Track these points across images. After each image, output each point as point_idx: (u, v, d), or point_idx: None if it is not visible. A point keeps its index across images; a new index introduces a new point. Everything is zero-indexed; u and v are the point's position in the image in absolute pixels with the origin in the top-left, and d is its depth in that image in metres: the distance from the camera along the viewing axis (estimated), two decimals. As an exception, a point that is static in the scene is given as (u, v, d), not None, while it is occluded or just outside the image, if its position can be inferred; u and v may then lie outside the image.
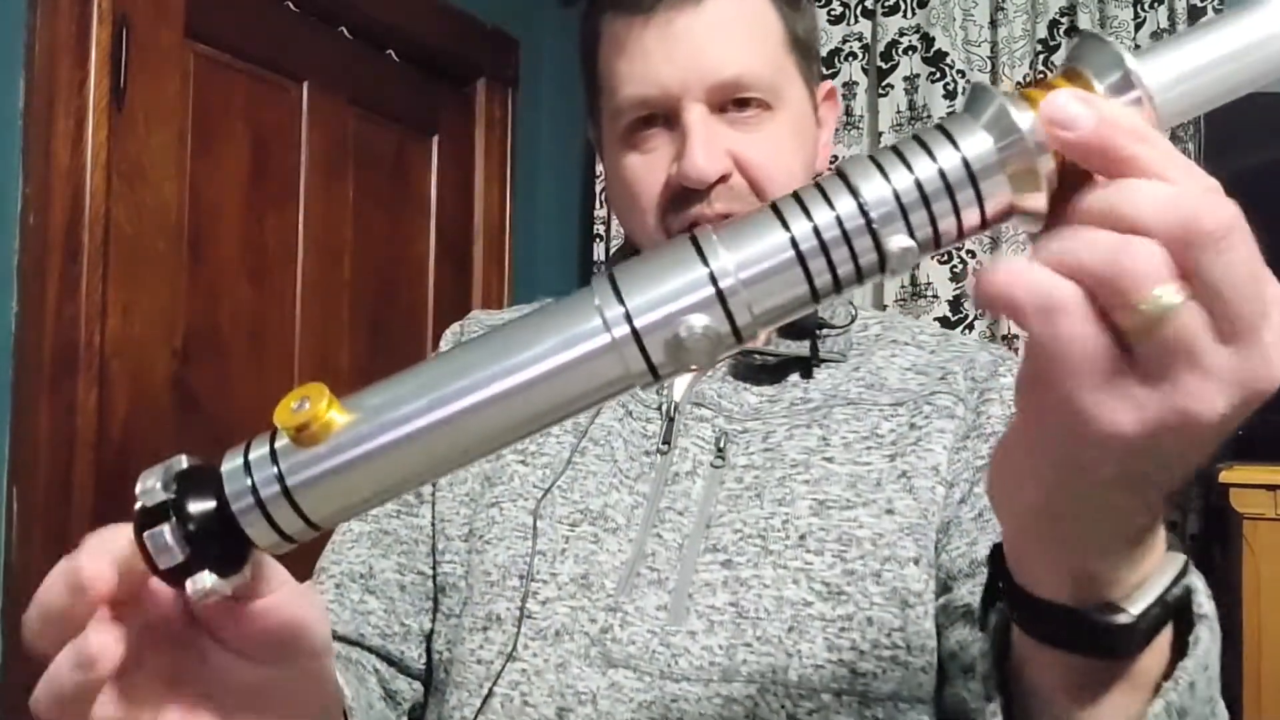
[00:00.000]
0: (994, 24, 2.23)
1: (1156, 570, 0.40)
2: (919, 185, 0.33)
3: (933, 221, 0.33)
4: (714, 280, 0.33)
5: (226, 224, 1.67)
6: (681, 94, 0.71)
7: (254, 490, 0.35)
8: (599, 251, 2.38)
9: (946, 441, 0.71)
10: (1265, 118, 1.92)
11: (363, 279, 1.94)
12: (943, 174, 0.33)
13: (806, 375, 0.77)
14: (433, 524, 0.79)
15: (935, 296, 2.19)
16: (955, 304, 2.17)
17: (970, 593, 0.68)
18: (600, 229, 2.39)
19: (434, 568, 0.78)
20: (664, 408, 0.77)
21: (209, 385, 1.63)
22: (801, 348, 0.76)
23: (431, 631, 0.77)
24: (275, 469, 0.35)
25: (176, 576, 0.35)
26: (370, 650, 0.76)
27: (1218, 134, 1.91)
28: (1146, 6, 2.12)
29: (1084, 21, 2.16)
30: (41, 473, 1.36)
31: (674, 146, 0.73)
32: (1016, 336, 2.09)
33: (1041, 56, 2.21)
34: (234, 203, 1.68)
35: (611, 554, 0.71)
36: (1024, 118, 0.33)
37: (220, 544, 0.36)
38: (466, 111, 2.21)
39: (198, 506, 0.35)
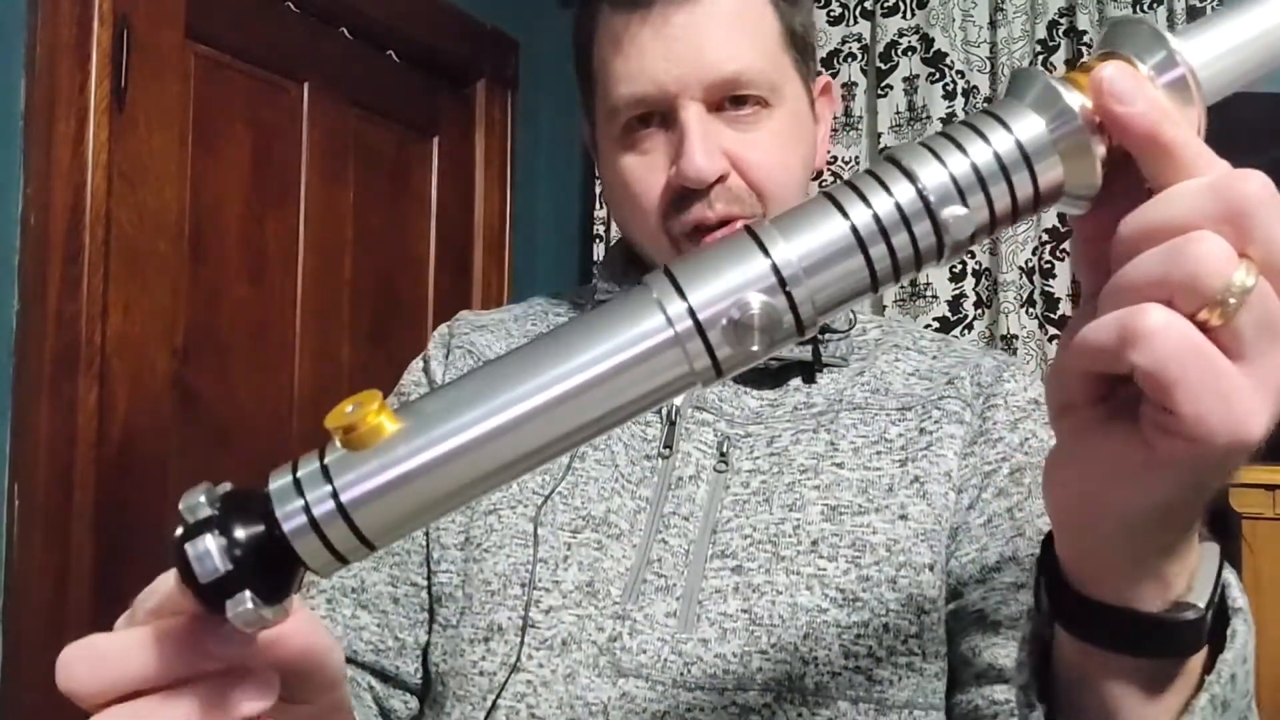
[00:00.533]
0: (993, 24, 2.23)
1: (1202, 559, 0.40)
2: (975, 169, 0.33)
3: (990, 204, 0.34)
4: (777, 271, 0.33)
5: (227, 224, 1.67)
6: (679, 92, 0.70)
7: (306, 508, 0.33)
8: (599, 252, 2.38)
9: (956, 447, 0.71)
10: (1265, 118, 1.92)
11: (363, 279, 1.94)
12: (998, 157, 0.33)
13: (808, 380, 0.76)
14: (426, 533, 0.77)
15: (934, 297, 2.19)
16: (954, 304, 2.17)
17: (982, 598, 0.67)
18: (600, 229, 2.39)
19: (428, 578, 0.76)
20: (664, 411, 0.75)
21: (209, 385, 1.63)
22: (804, 352, 0.75)
23: (428, 644, 0.75)
24: (329, 485, 0.33)
25: (215, 595, 0.33)
26: (364, 667, 0.75)
27: (1218, 134, 1.91)
28: (1146, 7, 2.12)
29: (1083, 22, 2.16)
30: (42, 472, 1.36)
31: (672, 146, 0.72)
32: (1015, 337, 2.10)
33: (1041, 57, 2.21)
34: (234, 203, 1.69)
35: (616, 560, 0.70)
36: (1074, 98, 0.33)
37: (266, 565, 0.33)
38: (466, 112, 2.21)
39: (243, 525, 0.33)
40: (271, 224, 1.75)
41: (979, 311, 2.16)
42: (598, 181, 2.39)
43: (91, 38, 1.40)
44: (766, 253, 0.33)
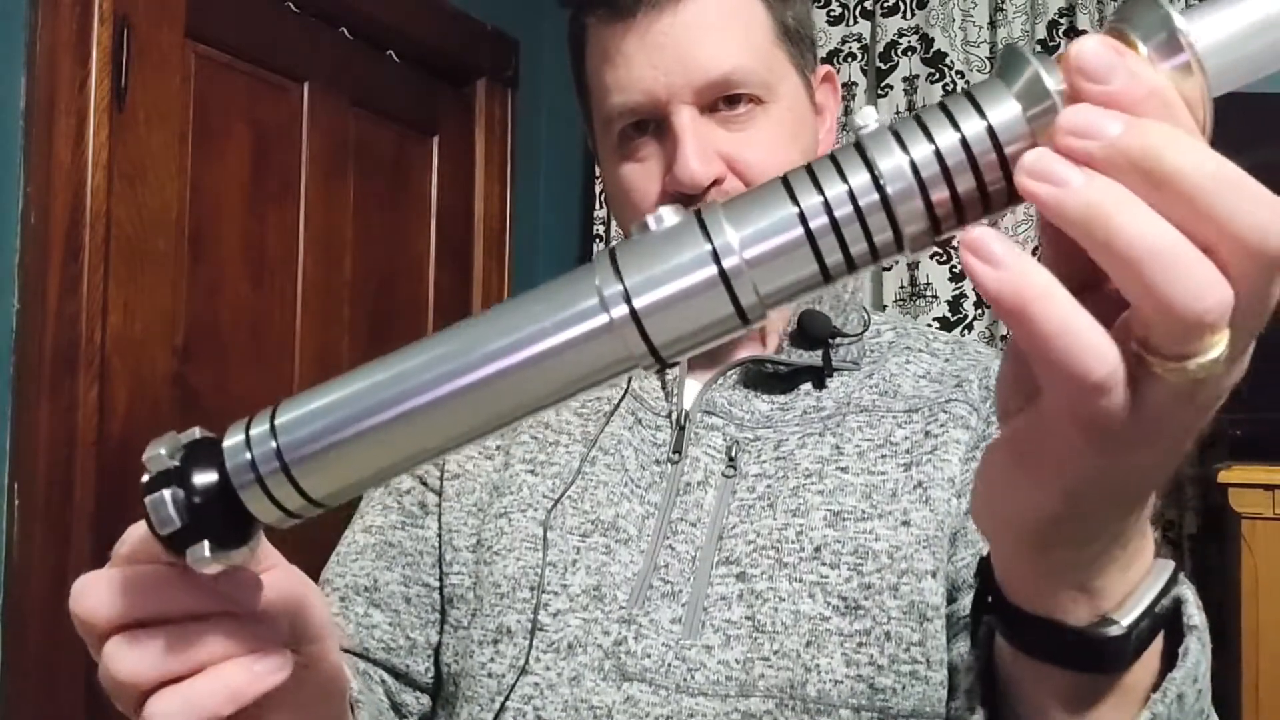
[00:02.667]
0: (993, 25, 2.23)
1: (1146, 578, 0.39)
2: (939, 156, 0.30)
3: (954, 196, 0.30)
4: (716, 258, 0.31)
5: (227, 223, 1.67)
6: (668, 98, 0.70)
7: (253, 465, 0.35)
8: (599, 251, 2.38)
9: (961, 452, 0.70)
10: (1265, 118, 1.92)
11: (363, 279, 1.94)
12: (965, 143, 0.30)
13: (819, 384, 0.75)
14: (439, 535, 0.77)
15: (935, 297, 2.20)
16: (955, 304, 2.17)
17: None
18: (600, 229, 2.39)
19: (441, 579, 0.76)
20: (674, 416, 0.75)
21: (209, 384, 1.63)
22: (814, 357, 0.75)
23: (440, 644, 0.76)
24: (274, 444, 0.35)
25: (177, 544, 0.35)
26: (376, 664, 0.75)
27: (1217, 133, 1.91)
28: (1146, 7, 2.12)
29: (1083, 22, 2.16)
30: (42, 470, 1.36)
31: (666, 153, 0.71)
32: (1016, 337, 2.10)
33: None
34: (234, 202, 1.69)
35: (624, 565, 0.70)
36: (1056, 80, 0.30)
37: (222, 516, 0.35)
38: (466, 111, 2.21)
39: (201, 477, 0.35)
40: (271, 223, 1.75)
41: (979, 311, 2.17)
42: (598, 181, 2.39)
43: (92, 37, 1.40)
44: (709, 238, 0.31)
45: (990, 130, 0.30)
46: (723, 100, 0.71)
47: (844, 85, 2.32)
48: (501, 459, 0.77)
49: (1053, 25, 2.21)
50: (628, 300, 0.32)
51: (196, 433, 0.37)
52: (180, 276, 1.57)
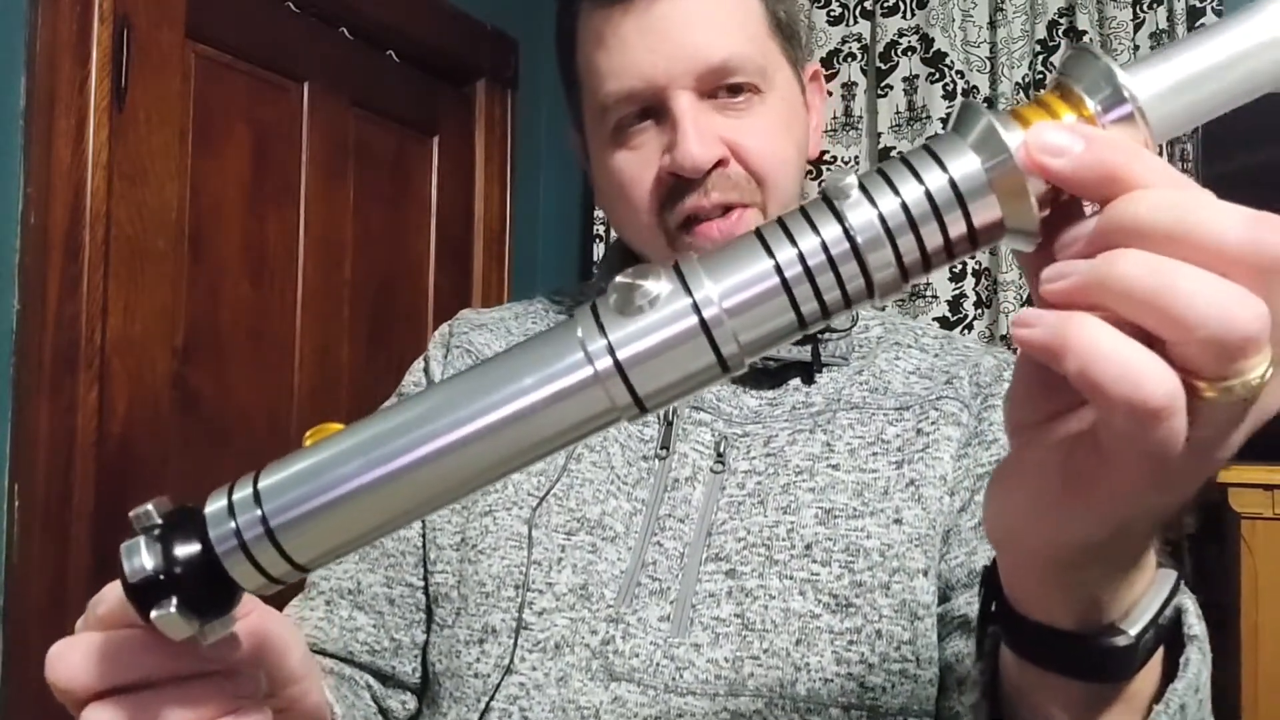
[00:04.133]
0: (993, 25, 2.23)
1: (1150, 588, 0.39)
2: (905, 209, 0.32)
3: (920, 245, 0.32)
4: (697, 309, 0.32)
5: (227, 224, 1.67)
6: (668, 83, 0.69)
7: (237, 531, 0.35)
8: (599, 252, 2.38)
9: (952, 450, 0.70)
10: (1265, 118, 1.93)
11: (363, 279, 1.94)
12: (930, 196, 0.32)
13: (808, 379, 0.75)
14: (422, 534, 0.76)
15: (934, 297, 2.20)
16: (954, 304, 2.17)
17: (968, 603, 0.67)
18: (600, 229, 2.39)
19: (425, 579, 0.75)
20: (661, 411, 0.74)
21: (209, 384, 1.63)
22: (803, 352, 0.74)
23: (426, 643, 0.75)
24: (259, 510, 0.35)
25: (144, 597, 0.35)
26: (361, 667, 0.74)
27: (1217, 134, 1.92)
28: (1145, 7, 2.12)
29: (1083, 22, 2.16)
30: (42, 471, 1.36)
31: (665, 139, 0.70)
32: (1015, 337, 2.10)
33: (1040, 57, 2.21)
34: (234, 202, 1.69)
35: (611, 563, 0.69)
36: (1013, 137, 0.32)
37: (203, 582, 0.35)
38: (466, 111, 2.21)
39: (183, 548, 0.35)
40: (271, 223, 1.75)
41: (979, 311, 2.17)
42: (598, 181, 2.39)
43: (92, 37, 1.40)
44: (688, 291, 0.32)
45: (951, 182, 0.32)
46: (723, 88, 0.70)
47: (844, 85, 2.32)
48: None
49: (1053, 25, 2.21)
50: (612, 352, 0.32)
51: (168, 503, 0.37)
52: (180, 276, 1.57)
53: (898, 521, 0.68)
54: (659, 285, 0.32)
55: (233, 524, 0.35)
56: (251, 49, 1.72)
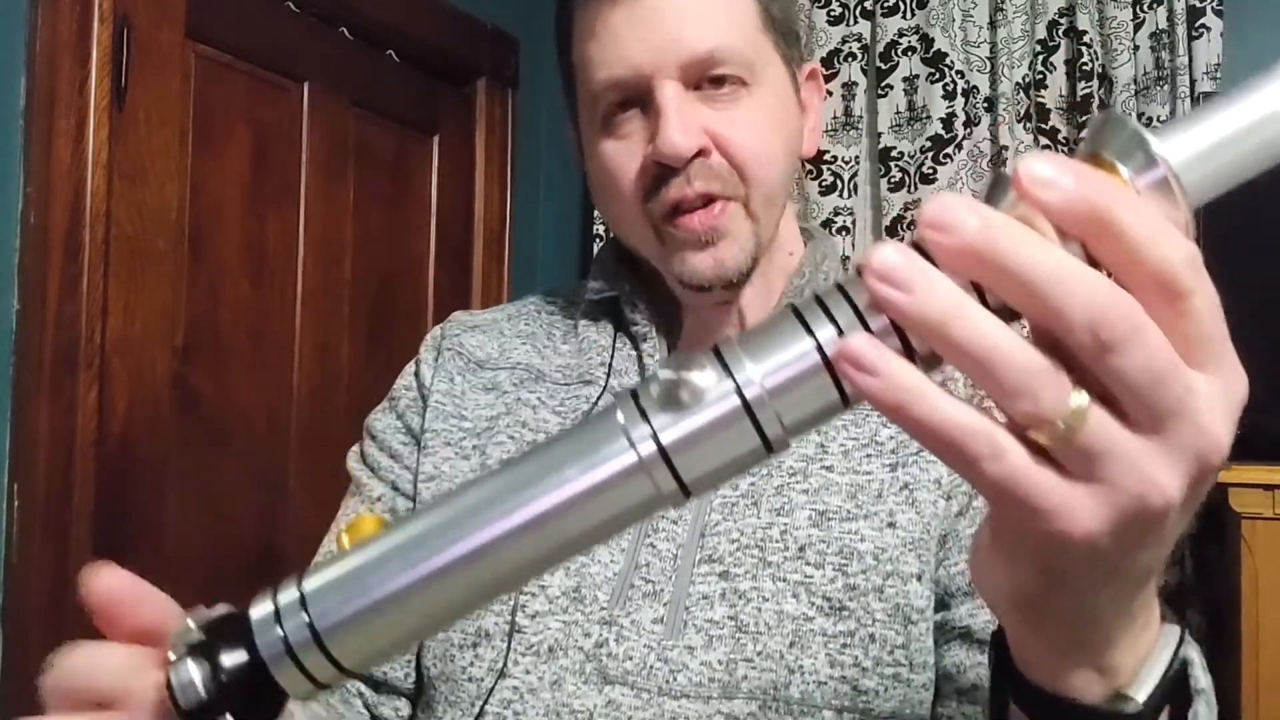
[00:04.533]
0: (993, 25, 2.23)
1: (1155, 646, 0.39)
2: None
3: None
4: (739, 392, 0.32)
5: (227, 223, 1.67)
6: (653, 73, 0.69)
7: (285, 638, 0.34)
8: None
9: None
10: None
11: (363, 279, 1.94)
12: None
13: None
14: None
15: (934, 297, 2.20)
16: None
17: (970, 614, 0.67)
18: (600, 229, 2.39)
19: None
20: None
21: (209, 384, 1.63)
22: None
23: (420, 646, 0.75)
24: (305, 616, 0.34)
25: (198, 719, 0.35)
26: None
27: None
28: (1145, 7, 2.12)
29: (1083, 22, 2.16)
30: (42, 471, 1.36)
31: (650, 128, 0.70)
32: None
33: (1040, 57, 2.21)
34: (234, 202, 1.69)
35: (603, 565, 0.69)
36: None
37: (248, 691, 0.35)
38: (466, 111, 2.21)
39: (228, 654, 0.35)
40: (271, 223, 1.75)
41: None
42: (598, 181, 2.39)
43: (92, 36, 1.40)
44: (730, 374, 0.32)
45: None
46: (708, 80, 0.70)
47: (844, 85, 2.32)
48: (478, 459, 0.76)
49: (1053, 25, 2.21)
50: (656, 439, 0.32)
51: (224, 609, 0.37)
52: (180, 276, 1.57)
53: (891, 525, 0.68)
54: (703, 376, 0.32)
55: (279, 631, 0.34)
56: (251, 49, 1.72)
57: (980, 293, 0.31)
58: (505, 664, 0.68)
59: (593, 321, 0.81)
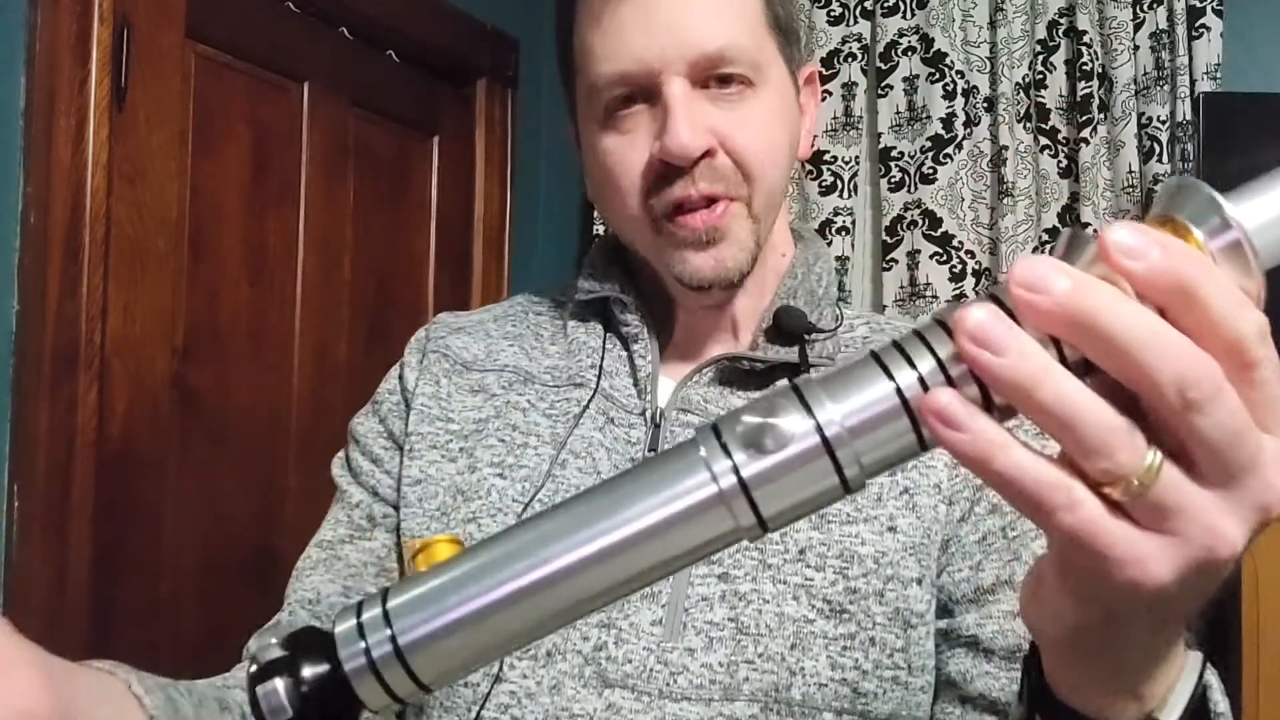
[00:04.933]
0: (993, 25, 2.23)
1: (1182, 672, 0.40)
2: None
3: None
4: (820, 431, 0.33)
5: (227, 223, 1.67)
6: (661, 69, 0.68)
7: (368, 651, 0.36)
8: (599, 251, 2.37)
9: (946, 457, 0.69)
10: (1265, 118, 1.93)
11: (363, 279, 1.94)
12: None
13: None
14: (398, 544, 0.76)
15: (935, 297, 2.20)
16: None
17: (977, 623, 0.67)
18: (600, 228, 2.39)
19: None
20: (649, 414, 0.74)
21: (209, 384, 1.63)
22: (790, 353, 0.74)
23: None
24: (388, 630, 0.36)
25: None
26: None
27: (1217, 134, 1.92)
28: (1145, 7, 2.12)
29: (1083, 22, 2.16)
30: (42, 470, 1.36)
31: (655, 124, 0.69)
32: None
33: (1040, 57, 2.21)
34: (234, 202, 1.69)
35: None
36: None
37: (328, 704, 0.36)
38: (466, 111, 2.21)
39: (310, 666, 0.36)
40: (271, 223, 1.75)
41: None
42: (598, 181, 2.38)
43: (92, 36, 1.40)
44: (811, 413, 0.33)
45: None
46: (714, 78, 0.69)
47: (844, 85, 2.32)
48: (466, 461, 0.75)
49: (1053, 25, 2.21)
50: (737, 472, 0.33)
51: (300, 625, 0.38)
52: (180, 276, 1.57)
53: (892, 529, 0.68)
54: (788, 420, 0.33)
55: (362, 644, 0.36)
56: (251, 49, 1.72)
57: (1058, 345, 0.32)
58: (501, 668, 0.67)
59: (581, 322, 0.80)
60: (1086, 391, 0.31)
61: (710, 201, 0.70)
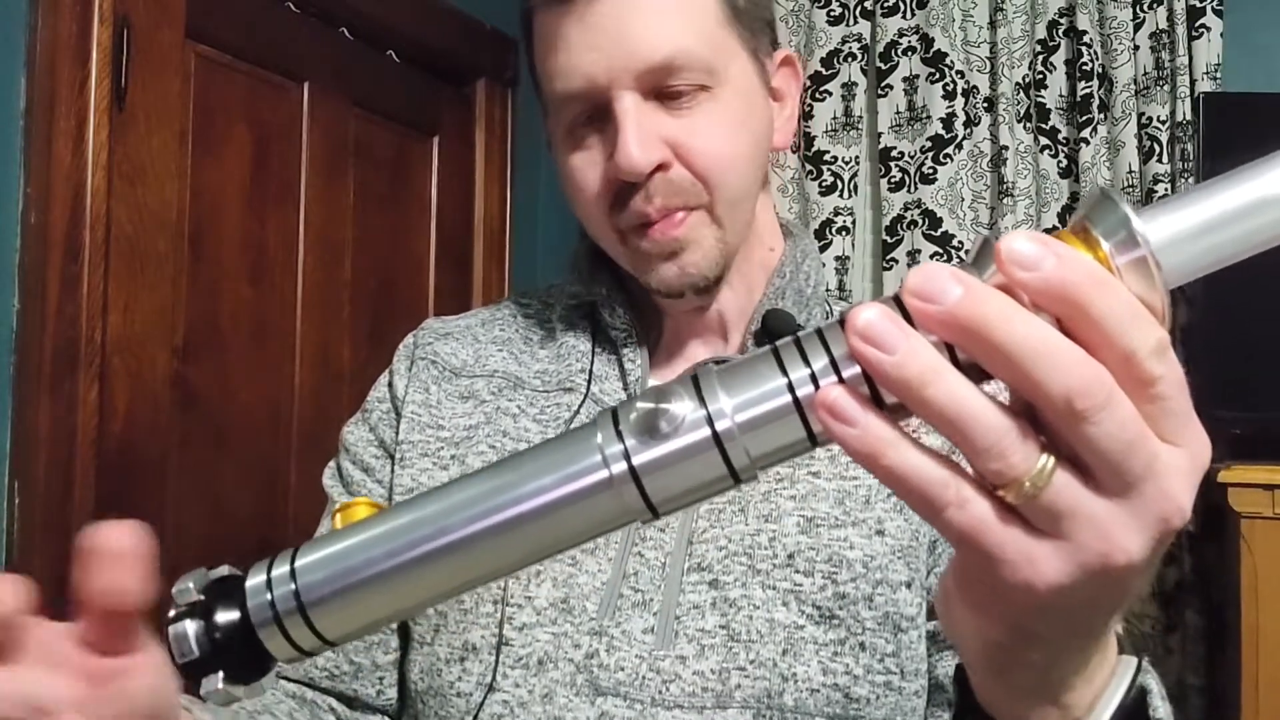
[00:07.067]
0: (993, 25, 2.24)
1: (1111, 680, 0.40)
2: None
3: None
4: (711, 422, 0.33)
5: (227, 223, 1.67)
6: (609, 84, 0.67)
7: (273, 605, 0.38)
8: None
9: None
10: (1265, 118, 1.93)
11: (363, 278, 1.94)
12: None
13: None
14: None
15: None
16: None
17: None
18: (600, 229, 2.39)
19: None
20: None
21: (209, 383, 1.63)
22: None
23: (405, 662, 0.74)
24: (293, 586, 0.37)
25: (194, 674, 0.38)
26: (324, 692, 0.74)
27: (1217, 134, 1.92)
28: (1145, 7, 2.13)
29: (1083, 22, 2.16)
30: (42, 470, 1.36)
31: (609, 140, 0.69)
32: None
33: (1040, 57, 2.22)
34: (234, 202, 1.69)
35: (591, 575, 0.68)
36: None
37: (238, 650, 0.38)
38: (466, 111, 2.21)
39: (223, 613, 0.38)
40: (271, 223, 1.75)
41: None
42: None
43: (92, 37, 1.40)
44: (703, 403, 0.34)
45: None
46: (666, 86, 0.68)
47: (844, 85, 2.32)
48: (457, 469, 0.75)
49: (1053, 25, 2.21)
50: (628, 458, 0.34)
51: (224, 570, 0.40)
52: (180, 276, 1.57)
53: (880, 532, 0.67)
54: (681, 406, 0.34)
55: (268, 597, 0.38)
56: (251, 49, 1.72)
57: (951, 350, 0.32)
58: (494, 678, 0.67)
59: (570, 326, 0.80)
60: (977, 393, 0.31)
61: (668, 215, 0.69)
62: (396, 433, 0.78)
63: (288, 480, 1.75)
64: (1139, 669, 0.41)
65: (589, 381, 0.75)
